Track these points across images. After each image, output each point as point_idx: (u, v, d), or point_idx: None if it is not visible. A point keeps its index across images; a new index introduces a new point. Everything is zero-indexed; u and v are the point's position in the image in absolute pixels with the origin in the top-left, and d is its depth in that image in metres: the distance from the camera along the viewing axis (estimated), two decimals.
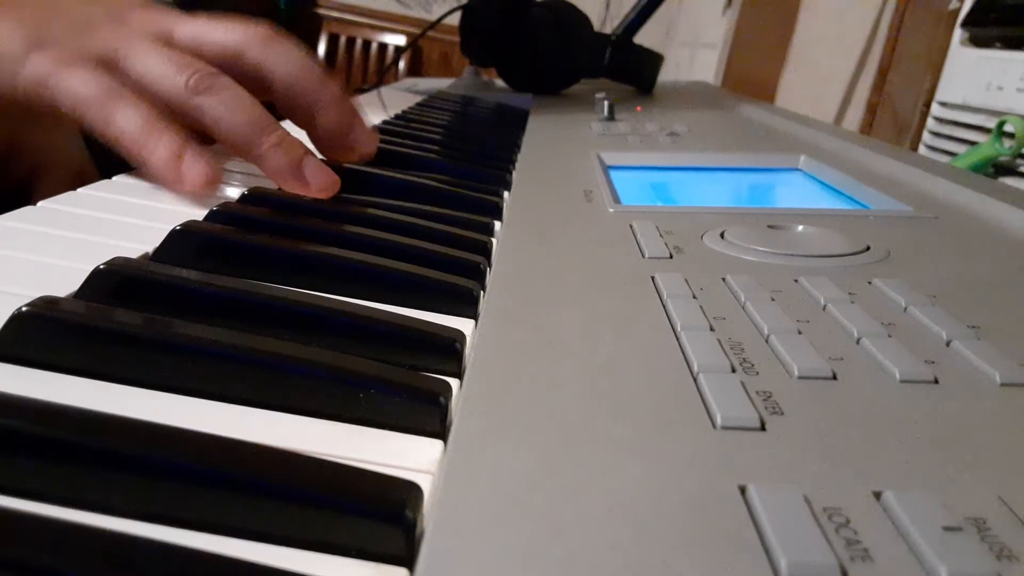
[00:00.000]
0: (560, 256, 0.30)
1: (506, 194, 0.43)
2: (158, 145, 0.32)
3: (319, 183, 0.36)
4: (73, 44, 0.34)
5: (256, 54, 0.37)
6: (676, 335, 0.23)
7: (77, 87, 0.32)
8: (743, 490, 0.15)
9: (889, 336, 0.22)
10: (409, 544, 0.15)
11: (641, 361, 0.21)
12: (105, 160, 0.34)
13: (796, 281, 0.27)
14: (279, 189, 0.37)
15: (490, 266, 0.31)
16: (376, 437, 0.18)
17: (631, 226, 0.34)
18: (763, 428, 0.18)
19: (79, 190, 0.33)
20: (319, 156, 0.38)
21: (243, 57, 0.37)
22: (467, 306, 0.26)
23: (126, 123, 0.32)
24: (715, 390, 0.19)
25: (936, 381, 0.20)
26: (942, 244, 0.33)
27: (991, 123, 0.79)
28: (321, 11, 2.49)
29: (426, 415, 0.19)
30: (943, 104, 0.92)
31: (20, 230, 0.28)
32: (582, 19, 0.90)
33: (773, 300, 0.25)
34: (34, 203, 0.31)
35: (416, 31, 1.78)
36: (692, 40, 1.95)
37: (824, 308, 0.25)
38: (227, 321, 0.22)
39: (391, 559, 0.14)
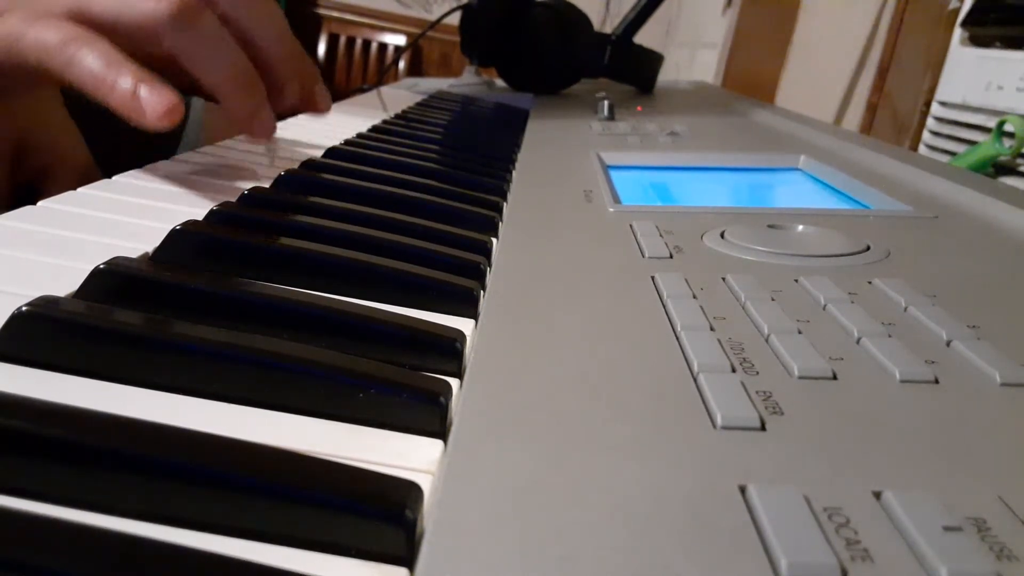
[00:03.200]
0: (560, 256, 0.30)
1: (506, 194, 0.43)
2: (116, 81, 0.31)
3: (267, 132, 0.37)
4: (42, 3, 0.33)
5: (245, 23, 0.37)
6: (676, 335, 0.23)
7: (41, 36, 0.32)
8: (743, 490, 0.15)
9: (889, 336, 0.22)
10: (409, 544, 0.15)
11: (641, 361, 0.21)
12: (108, 161, 0.34)
13: (796, 281, 0.27)
14: (278, 189, 0.37)
15: (490, 266, 0.31)
16: (376, 437, 0.18)
17: (631, 226, 0.34)
18: (763, 428, 0.18)
19: (79, 190, 0.33)
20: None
21: (229, 21, 0.36)
22: (467, 306, 0.26)
23: (84, 65, 0.31)
24: (715, 390, 0.19)
25: (936, 381, 0.20)
26: (942, 244, 0.33)
27: (991, 123, 0.79)
28: (321, 11, 2.49)
29: (426, 415, 0.19)
30: (943, 104, 0.92)
31: (20, 230, 0.28)
32: (582, 19, 0.90)
33: (773, 300, 0.25)
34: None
35: (416, 31, 1.78)
36: (692, 40, 1.95)
37: (824, 308, 0.25)
38: (227, 321, 0.22)
39: (391, 559, 0.14)
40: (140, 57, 0.33)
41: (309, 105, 0.41)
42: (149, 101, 0.31)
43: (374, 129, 0.60)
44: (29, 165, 0.44)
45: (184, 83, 0.36)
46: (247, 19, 0.37)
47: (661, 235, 0.32)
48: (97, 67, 0.31)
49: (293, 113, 0.43)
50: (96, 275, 0.23)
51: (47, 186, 0.44)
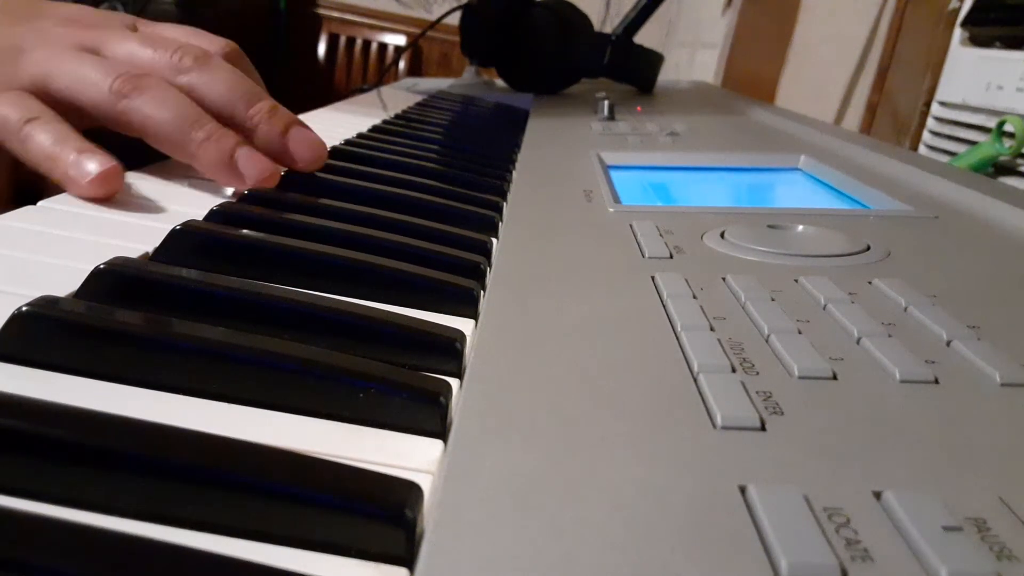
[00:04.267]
0: (560, 256, 0.30)
1: (506, 194, 0.43)
2: (59, 155, 0.32)
3: (254, 174, 0.35)
4: (1, 72, 0.34)
5: (187, 79, 0.37)
6: (676, 335, 0.23)
7: (2, 112, 0.33)
8: (743, 490, 0.15)
9: (889, 336, 0.22)
10: (409, 544, 0.15)
11: (641, 361, 0.21)
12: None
13: (796, 281, 0.27)
14: (278, 189, 0.37)
15: (490, 266, 0.31)
16: (376, 437, 0.18)
17: (631, 226, 0.34)
18: (763, 428, 0.18)
19: None
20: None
21: (175, 80, 0.36)
22: (467, 306, 0.26)
23: (36, 144, 0.32)
24: (715, 390, 0.19)
25: (936, 381, 0.20)
26: (942, 244, 0.33)
27: (991, 123, 0.79)
28: (321, 11, 2.49)
29: (426, 415, 0.19)
30: (943, 104, 0.92)
31: (20, 230, 0.28)
32: (582, 19, 0.90)
33: (773, 300, 0.25)
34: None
35: (416, 31, 1.78)
36: (692, 40, 1.95)
37: (824, 308, 0.25)
38: (227, 321, 0.22)
39: (391, 559, 0.14)
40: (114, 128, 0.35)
41: (284, 155, 0.38)
42: (85, 168, 0.32)
43: (374, 129, 0.60)
44: (29, 168, 0.44)
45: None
46: (192, 80, 0.37)
47: (661, 235, 0.32)
48: (47, 146, 0.32)
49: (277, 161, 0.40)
50: (96, 275, 0.23)
51: (47, 185, 0.45)
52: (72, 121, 0.34)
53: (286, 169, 0.38)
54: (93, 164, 0.32)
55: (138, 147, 0.39)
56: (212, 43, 0.41)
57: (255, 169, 0.35)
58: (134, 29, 0.40)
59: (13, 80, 0.34)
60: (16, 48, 0.35)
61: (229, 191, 0.36)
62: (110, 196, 0.32)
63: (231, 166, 0.35)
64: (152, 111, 0.34)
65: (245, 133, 0.37)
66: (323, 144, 0.39)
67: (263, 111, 0.37)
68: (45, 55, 0.35)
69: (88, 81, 0.34)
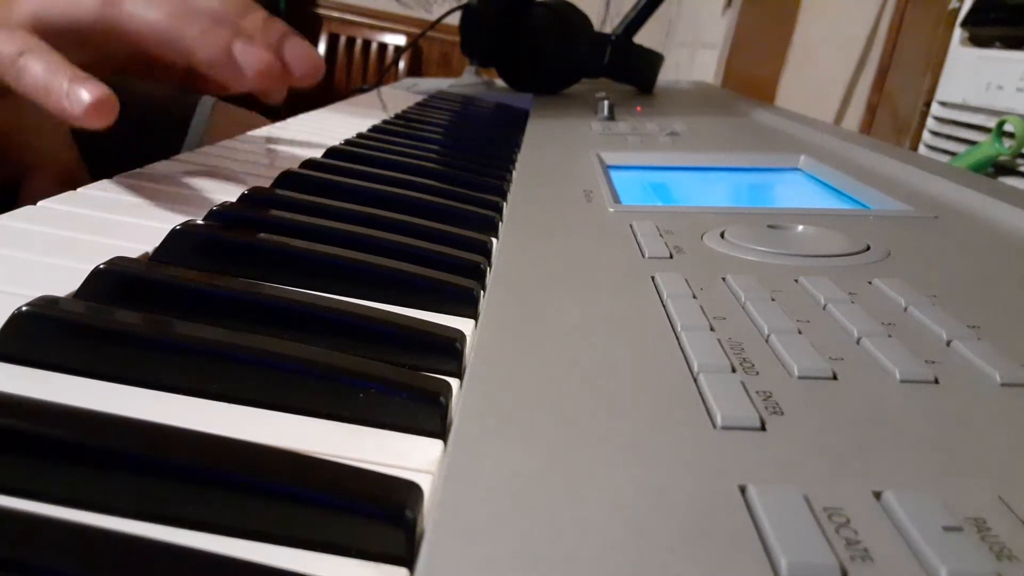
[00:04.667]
0: (560, 256, 0.30)
1: (506, 194, 0.43)
2: (52, 84, 0.32)
3: (254, 64, 0.34)
4: (4, 13, 0.34)
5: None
6: (676, 335, 0.23)
7: None
8: (743, 490, 0.15)
9: (889, 336, 0.22)
10: (409, 544, 0.15)
11: (641, 361, 0.21)
12: (108, 161, 0.34)
13: (796, 281, 0.27)
14: (278, 189, 0.37)
15: (490, 266, 0.31)
16: (376, 437, 0.18)
17: (631, 226, 0.34)
18: (763, 428, 0.18)
19: (79, 190, 0.33)
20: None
21: None
22: (467, 306, 0.26)
23: (30, 75, 0.32)
24: (715, 390, 0.19)
25: (936, 381, 0.20)
26: (942, 244, 0.33)
27: (991, 123, 0.79)
28: (321, 11, 2.49)
29: (426, 415, 0.19)
30: (943, 104, 0.92)
31: (20, 230, 0.28)
32: (582, 19, 0.90)
33: (773, 300, 0.25)
34: (20, 203, 0.31)
35: (416, 31, 1.78)
36: (692, 40, 1.95)
37: (824, 308, 0.25)
38: (227, 321, 0.22)
39: (391, 559, 0.14)
40: (118, 62, 0.34)
41: (280, 62, 0.36)
42: (78, 97, 0.31)
43: (374, 129, 0.60)
44: (8, 166, 0.44)
45: (199, 84, 0.35)
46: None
47: (661, 235, 0.32)
48: (40, 76, 0.32)
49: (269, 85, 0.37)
50: (96, 275, 0.23)
51: (27, 184, 0.44)
52: (74, 53, 0.33)
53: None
54: (86, 92, 0.31)
55: (136, 147, 0.39)
56: None
57: (254, 59, 0.34)
58: None
59: (10, 20, 0.34)
60: None
61: (229, 191, 0.36)
62: (105, 124, 0.32)
63: (230, 58, 0.34)
64: (143, 10, 0.34)
65: None
66: (319, 57, 0.38)
67: (258, 20, 0.37)
68: None
69: (77, 3, 0.34)
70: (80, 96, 0.31)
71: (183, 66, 0.36)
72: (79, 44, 0.34)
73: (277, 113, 0.39)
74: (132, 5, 0.34)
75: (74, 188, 0.33)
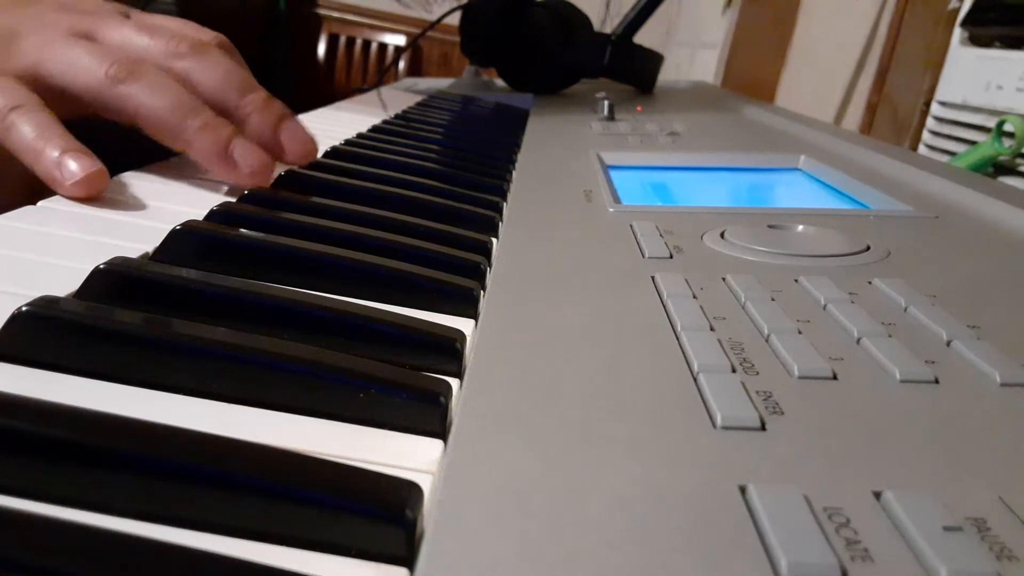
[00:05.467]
0: (560, 256, 0.30)
1: (506, 194, 0.43)
2: (43, 150, 0.31)
3: (251, 163, 0.35)
4: (2, 58, 0.34)
5: (182, 64, 0.36)
6: (676, 335, 0.23)
7: None
8: (743, 490, 0.15)
9: (889, 336, 0.22)
10: (409, 544, 0.15)
11: (641, 361, 0.21)
12: (108, 161, 0.34)
13: (796, 281, 0.27)
14: (278, 189, 0.37)
15: (490, 266, 0.31)
16: (376, 437, 0.18)
17: (631, 226, 0.34)
18: (763, 428, 0.18)
19: None
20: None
21: (170, 67, 0.36)
22: (467, 306, 0.26)
23: (19, 133, 0.32)
24: (715, 390, 0.19)
25: (936, 381, 0.20)
26: (942, 244, 0.33)
27: (991, 123, 0.79)
28: (321, 11, 2.49)
29: (426, 415, 0.19)
30: (943, 104, 0.92)
31: (20, 230, 0.28)
32: (582, 19, 0.90)
33: (773, 300, 0.25)
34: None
35: (416, 31, 1.78)
36: (692, 40, 1.95)
37: (824, 308, 0.25)
38: (227, 321, 0.22)
39: (391, 559, 0.14)
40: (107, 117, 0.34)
41: (274, 147, 0.38)
42: (69, 169, 0.31)
43: (374, 129, 0.60)
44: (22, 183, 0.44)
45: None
46: (187, 67, 0.36)
47: (661, 235, 0.32)
48: (29, 136, 0.32)
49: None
50: (96, 275, 0.23)
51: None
52: (64, 109, 0.33)
53: (283, 169, 0.38)
54: (76, 166, 0.31)
55: (136, 146, 0.39)
56: (204, 35, 0.40)
57: (251, 159, 0.35)
58: (127, 18, 0.40)
59: (5, 67, 0.34)
60: (11, 32, 0.35)
61: (229, 191, 0.36)
62: (93, 197, 0.32)
63: (227, 156, 0.35)
64: (147, 98, 0.34)
65: (237, 122, 0.37)
66: (313, 140, 0.39)
67: (257, 101, 0.37)
68: (39, 41, 0.35)
69: (82, 66, 0.34)
70: (70, 169, 0.31)
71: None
72: (75, 107, 0.34)
73: None
74: (136, 87, 0.34)
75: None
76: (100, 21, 0.37)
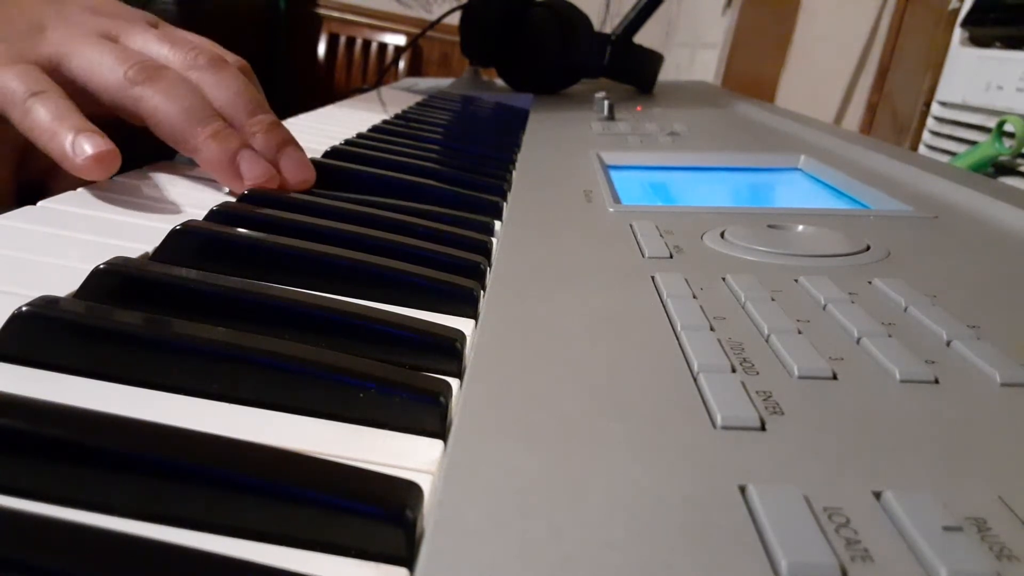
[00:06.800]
0: (560, 256, 0.30)
1: (506, 194, 0.43)
2: (57, 130, 0.32)
3: (256, 175, 0.35)
4: (20, 45, 0.35)
5: (198, 76, 0.37)
6: (676, 335, 0.23)
7: (8, 84, 0.33)
8: (743, 490, 0.15)
9: (889, 336, 0.22)
10: (409, 544, 0.15)
11: (641, 361, 0.21)
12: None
13: (796, 281, 0.27)
14: (278, 189, 0.37)
15: (490, 266, 0.31)
16: (376, 437, 0.18)
17: (631, 226, 0.34)
18: (763, 428, 0.18)
19: (79, 189, 0.33)
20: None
21: (186, 77, 0.37)
22: (467, 306, 0.26)
23: (37, 117, 0.32)
24: (715, 390, 0.19)
25: (936, 381, 0.20)
26: (942, 244, 0.33)
27: (991, 123, 0.79)
28: (321, 11, 2.49)
29: (426, 415, 0.19)
30: (943, 104, 0.92)
31: (20, 230, 0.28)
32: (582, 19, 0.90)
33: (773, 300, 0.25)
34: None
35: (416, 31, 1.78)
36: (692, 40, 1.95)
37: (824, 308, 0.25)
38: (227, 321, 0.22)
39: (391, 559, 0.14)
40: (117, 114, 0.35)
41: (275, 167, 0.38)
42: (82, 147, 0.32)
43: (374, 129, 0.60)
44: (34, 166, 0.45)
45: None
46: (202, 79, 0.37)
47: (661, 235, 0.32)
48: (46, 120, 0.32)
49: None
50: (96, 275, 0.23)
51: (52, 185, 0.45)
52: (80, 104, 0.34)
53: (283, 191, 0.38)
54: (89, 145, 0.32)
55: (138, 147, 0.39)
56: (227, 55, 0.41)
57: (256, 171, 0.36)
58: (155, 26, 0.41)
59: (29, 54, 0.35)
60: (38, 25, 0.36)
61: (229, 191, 0.36)
62: (103, 177, 0.33)
63: (233, 165, 0.35)
64: (162, 101, 0.35)
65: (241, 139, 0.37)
66: (312, 168, 0.39)
67: (264, 123, 0.38)
68: (65, 35, 0.36)
69: (104, 65, 0.35)
70: (83, 148, 0.32)
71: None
72: (91, 104, 0.35)
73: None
74: (152, 90, 0.35)
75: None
76: (127, 26, 0.38)
